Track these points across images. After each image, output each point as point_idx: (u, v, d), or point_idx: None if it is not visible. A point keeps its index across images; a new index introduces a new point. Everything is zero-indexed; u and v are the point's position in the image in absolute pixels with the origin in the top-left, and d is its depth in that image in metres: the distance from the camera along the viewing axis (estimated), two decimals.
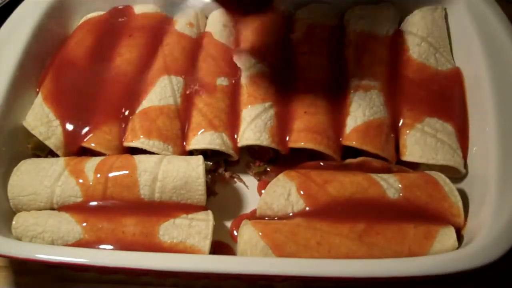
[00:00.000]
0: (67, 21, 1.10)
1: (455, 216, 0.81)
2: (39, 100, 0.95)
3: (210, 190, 0.89)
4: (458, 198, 0.81)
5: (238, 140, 0.91)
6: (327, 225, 0.78)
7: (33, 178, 0.85)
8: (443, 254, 0.75)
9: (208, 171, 0.87)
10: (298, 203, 0.82)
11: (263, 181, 0.93)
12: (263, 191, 0.90)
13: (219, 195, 0.92)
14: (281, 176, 0.86)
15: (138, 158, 0.86)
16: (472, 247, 0.73)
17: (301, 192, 0.82)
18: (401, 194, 0.81)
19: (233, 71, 0.98)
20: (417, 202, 0.81)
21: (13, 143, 0.90)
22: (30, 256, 0.75)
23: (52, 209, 0.84)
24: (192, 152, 0.91)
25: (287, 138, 0.90)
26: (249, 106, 0.92)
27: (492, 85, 0.86)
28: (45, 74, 1.00)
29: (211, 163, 0.91)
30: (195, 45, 1.04)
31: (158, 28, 1.06)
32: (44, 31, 1.02)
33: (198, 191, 0.82)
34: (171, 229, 0.80)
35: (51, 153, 0.93)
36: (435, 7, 1.02)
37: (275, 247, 0.77)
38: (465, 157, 0.88)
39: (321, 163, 0.89)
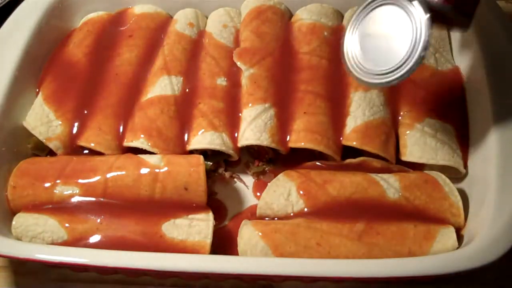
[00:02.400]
0: (67, 21, 1.10)
1: (455, 216, 0.81)
2: (39, 100, 0.95)
3: (210, 190, 0.89)
4: (458, 198, 0.81)
5: (238, 140, 0.91)
6: (327, 225, 0.78)
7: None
8: (443, 254, 0.75)
9: (208, 171, 0.87)
10: (298, 203, 0.82)
11: (260, 181, 0.93)
12: (258, 193, 0.91)
13: (219, 195, 0.92)
14: (281, 176, 0.86)
15: (138, 158, 0.86)
16: (472, 247, 0.73)
17: (301, 192, 0.82)
18: (401, 194, 0.81)
19: (233, 71, 0.98)
20: (417, 202, 0.81)
21: (13, 143, 0.90)
22: (30, 256, 0.75)
23: None
24: (192, 152, 0.91)
25: (287, 138, 0.90)
26: (249, 106, 0.92)
27: (491, 85, 0.86)
28: (45, 74, 1.00)
29: (211, 163, 0.91)
30: (195, 45, 1.03)
31: (158, 28, 1.06)
32: (44, 31, 1.01)
33: (198, 191, 0.82)
34: (171, 229, 0.80)
35: (51, 153, 0.93)
36: None
37: (275, 247, 0.77)
38: (465, 157, 0.88)
39: (321, 163, 0.89)
